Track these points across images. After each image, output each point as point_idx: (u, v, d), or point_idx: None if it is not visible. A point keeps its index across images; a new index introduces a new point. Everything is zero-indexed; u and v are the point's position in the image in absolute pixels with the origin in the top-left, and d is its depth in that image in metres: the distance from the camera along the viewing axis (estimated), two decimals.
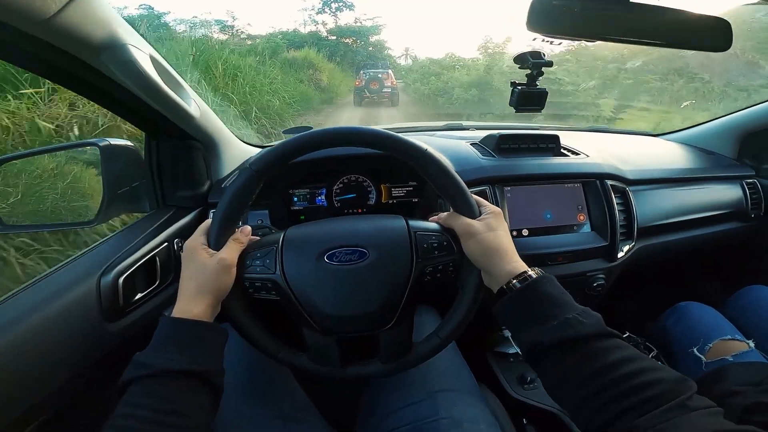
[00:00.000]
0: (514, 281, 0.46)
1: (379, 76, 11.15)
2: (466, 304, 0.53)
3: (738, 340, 0.80)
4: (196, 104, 0.71)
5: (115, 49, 0.50)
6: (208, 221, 0.53)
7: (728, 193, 1.10)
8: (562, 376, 0.41)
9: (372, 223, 0.54)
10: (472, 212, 0.52)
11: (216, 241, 0.51)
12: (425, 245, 0.52)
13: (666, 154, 1.17)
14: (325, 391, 0.74)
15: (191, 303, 0.47)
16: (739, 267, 1.26)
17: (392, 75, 11.59)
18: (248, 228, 0.55)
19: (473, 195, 0.54)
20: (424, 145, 0.52)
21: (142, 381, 0.41)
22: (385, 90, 11.02)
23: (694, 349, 0.82)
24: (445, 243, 0.53)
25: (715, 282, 1.27)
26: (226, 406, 0.57)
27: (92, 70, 0.53)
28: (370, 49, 24.20)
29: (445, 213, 0.55)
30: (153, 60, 0.58)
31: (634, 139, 1.29)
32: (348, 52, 22.23)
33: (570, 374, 0.40)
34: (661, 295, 1.13)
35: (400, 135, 0.52)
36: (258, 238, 0.56)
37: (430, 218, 0.56)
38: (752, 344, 0.79)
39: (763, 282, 0.96)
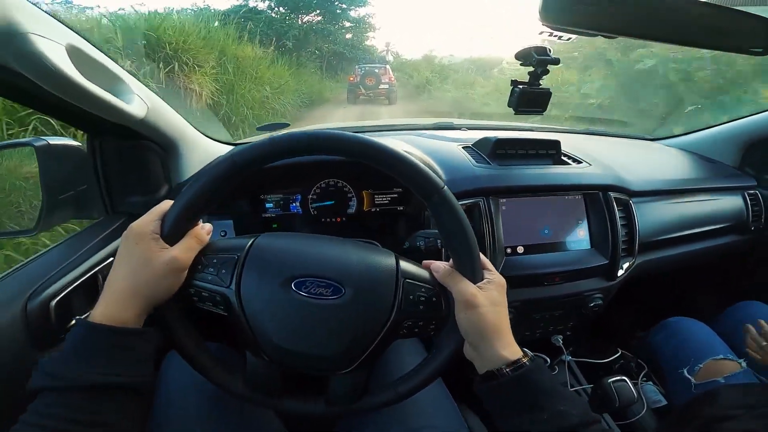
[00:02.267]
0: (507, 369, 0.43)
1: (376, 71, 10.53)
2: (436, 368, 0.47)
3: (730, 359, 0.79)
4: (141, 100, 0.62)
5: (11, 39, 0.41)
6: (166, 203, 0.44)
7: (730, 204, 1.05)
8: None
9: (358, 254, 0.46)
10: (476, 277, 0.46)
11: (172, 231, 0.42)
12: (411, 297, 0.45)
13: (668, 162, 1.11)
14: (300, 422, 0.67)
15: (120, 306, 0.39)
16: (734, 281, 1.23)
17: (390, 71, 10.97)
18: (210, 226, 0.47)
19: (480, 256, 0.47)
20: (440, 181, 0.44)
21: (53, 392, 0.36)
22: (382, 86, 10.42)
23: (684, 371, 0.80)
24: (434, 299, 0.46)
25: (711, 296, 1.24)
26: None
27: None
28: (348, 36, 15.95)
29: (443, 264, 0.47)
30: (73, 50, 0.49)
31: (633, 144, 1.23)
32: (309, 36, 13.79)
33: None
34: (656, 308, 1.09)
35: (419, 163, 0.44)
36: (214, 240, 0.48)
37: (425, 263, 0.49)
38: (744, 364, 0.77)
39: (758, 296, 0.94)
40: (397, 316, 0.44)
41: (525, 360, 0.43)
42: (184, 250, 0.42)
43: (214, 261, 0.44)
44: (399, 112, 9.51)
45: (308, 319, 0.43)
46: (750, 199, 1.06)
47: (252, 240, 0.46)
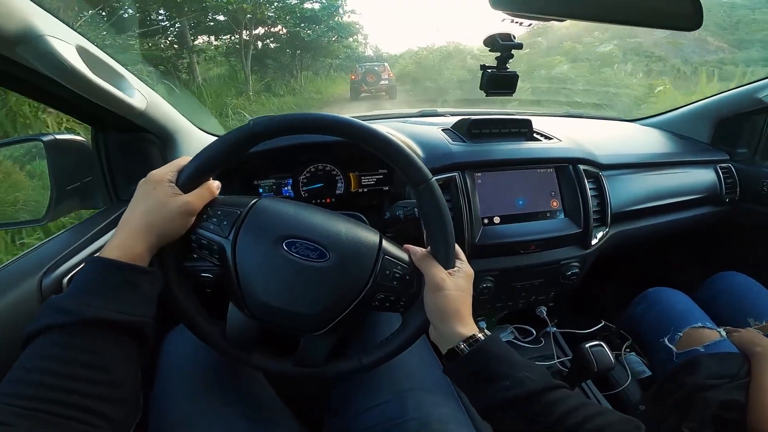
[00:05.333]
0: (463, 345, 0.46)
1: (376, 68, 10.70)
2: (400, 343, 0.52)
3: (709, 328, 0.80)
4: (141, 94, 0.67)
5: (31, 41, 0.47)
6: (184, 158, 0.48)
7: (702, 177, 1.10)
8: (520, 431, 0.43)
9: (346, 226, 0.51)
10: (448, 263, 0.50)
11: (187, 181, 0.46)
12: (387, 272, 0.50)
13: (640, 139, 1.17)
14: (294, 389, 0.71)
15: (134, 239, 0.42)
16: (713, 252, 1.27)
17: (388, 67, 11.15)
18: (218, 183, 0.51)
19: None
20: (429, 173, 0.50)
21: (56, 330, 0.37)
22: (383, 82, 10.62)
23: (665, 339, 0.82)
24: (407, 278, 0.51)
25: (689, 267, 1.28)
26: (190, 405, 0.56)
27: (13, 64, 0.49)
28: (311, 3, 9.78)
29: (421, 250, 0.53)
30: (81, 50, 0.54)
31: (608, 125, 1.29)
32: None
33: (526, 429, 0.42)
34: (636, 280, 1.13)
35: (409, 151, 0.49)
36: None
37: (405, 246, 0.54)
38: (723, 333, 0.78)
39: (736, 266, 0.97)
40: (372, 287, 0.49)
41: (480, 335, 0.46)
42: (197, 197, 0.46)
43: (219, 213, 0.48)
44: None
45: (292, 277, 0.47)
46: (723, 173, 1.11)
47: (256, 200, 0.51)
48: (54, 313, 0.37)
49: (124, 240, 0.42)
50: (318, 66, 11.24)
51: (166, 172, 0.47)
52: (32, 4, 0.48)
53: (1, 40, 0.45)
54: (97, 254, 0.42)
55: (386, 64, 11.21)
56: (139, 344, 0.41)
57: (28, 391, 0.34)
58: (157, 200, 0.44)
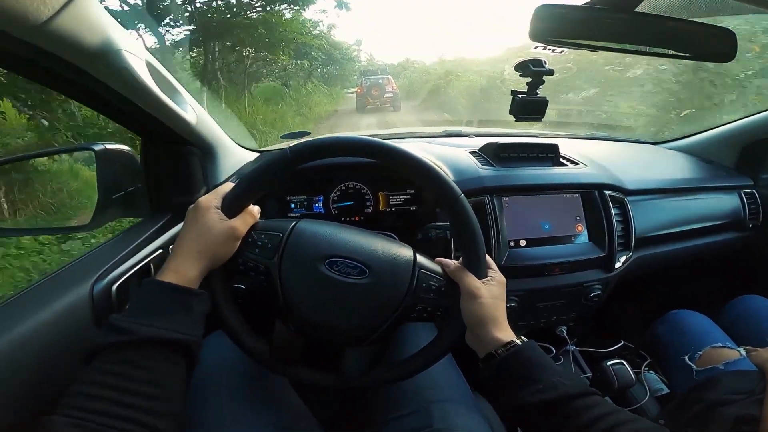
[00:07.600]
0: (501, 349, 0.48)
1: (380, 81, 11.14)
2: (439, 351, 0.54)
3: (729, 347, 0.81)
4: (192, 110, 0.71)
5: (109, 55, 0.49)
6: (227, 185, 0.52)
7: (726, 203, 1.10)
8: None
9: (383, 244, 0.54)
10: (480, 273, 0.53)
11: (231, 207, 0.50)
12: (424, 284, 0.52)
13: (665, 163, 1.17)
14: (322, 399, 0.74)
15: (186, 264, 0.46)
16: (735, 277, 1.26)
17: (392, 80, 11.56)
18: (258, 208, 0.54)
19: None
20: (459, 190, 0.52)
21: (115, 347, 0.39)
22: (387, 95, 11.02)
23: (685, 358, 0.83)
24: (443, 289, 0.53)
25: (711, 291, 1.27)
26: (221, 413, 0.58)
27: (86, 76, 0.52)
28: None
29: (453, 262, 0.55)
30: (149, 66, 0.57)
31: (634, 147, 1.29)
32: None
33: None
34: (658, 302, 1.13)
35: (440, 171, 0.52)
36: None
37: (437, 259, 0.57)
38: (743, 352, 0.79)
39: (759, 291, 0.97)
40: (409, 300, 0.51)
41: (518, 341, 0.49)
42: (242, 223, 0.50)
43: (263, 236, 0.52)
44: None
45: (335, 294, 0.50)
46: (747, 198, 1.11)
47: (295, 222, 0.54)
48: (113, 332, 0.40)
49: (179, 264, 0.46)
50: (277, 75, 7.35)
51: (212, 198, 0.51)
52: (112, 19, 0.50)
53: (82, 52, 0.46)
54: (155, 277, 0.45)
55: (390, 77, 11.62)
56: (188, 362, 0.44)
57: (87, 405, 0.36)
58: (205, 226, 0.48)
